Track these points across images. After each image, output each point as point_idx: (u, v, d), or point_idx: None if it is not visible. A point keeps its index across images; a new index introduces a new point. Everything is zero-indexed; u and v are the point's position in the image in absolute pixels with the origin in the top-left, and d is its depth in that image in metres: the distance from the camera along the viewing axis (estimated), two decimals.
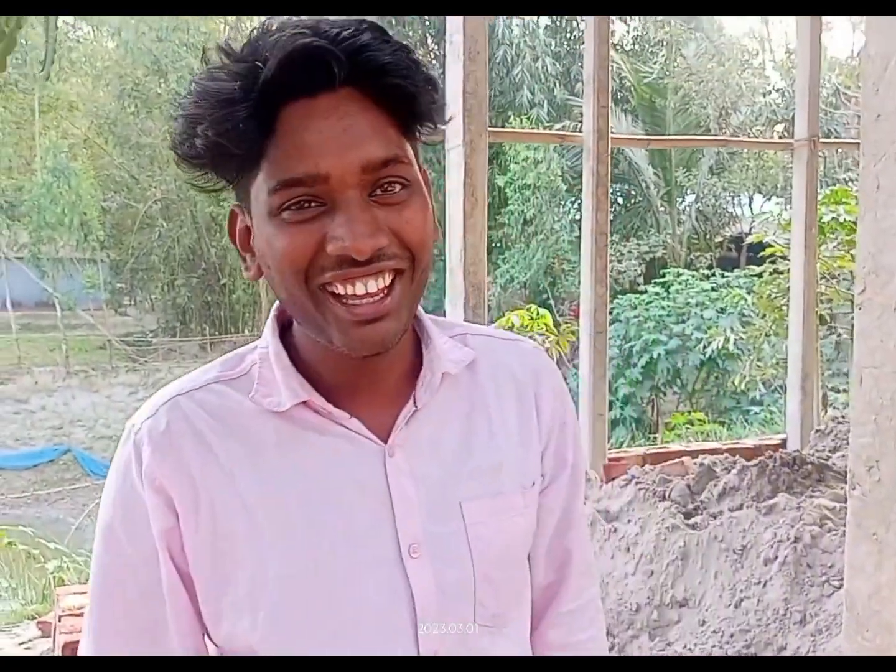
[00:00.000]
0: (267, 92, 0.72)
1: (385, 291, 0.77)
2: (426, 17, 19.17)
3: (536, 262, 16.25)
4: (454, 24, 3.55)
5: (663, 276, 12.96)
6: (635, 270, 15.63)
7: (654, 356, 11.35)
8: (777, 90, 18.41)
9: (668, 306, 11.88)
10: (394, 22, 18.70)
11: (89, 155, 22.73)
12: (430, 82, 0.77)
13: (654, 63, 17.48)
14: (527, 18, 19.37)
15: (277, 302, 0.88)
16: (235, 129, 0.72)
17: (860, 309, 1.04)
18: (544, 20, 19.64)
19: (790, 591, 3.08)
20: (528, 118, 16.70)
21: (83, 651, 0.84)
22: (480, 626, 0.86)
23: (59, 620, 3.59)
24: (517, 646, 0.91)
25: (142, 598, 0.81)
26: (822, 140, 5.49)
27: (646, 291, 12.68)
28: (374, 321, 0.76)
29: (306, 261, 0.75)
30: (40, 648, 3.98)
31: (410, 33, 19.35)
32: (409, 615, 0.81)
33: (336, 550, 0.80)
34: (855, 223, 7.03)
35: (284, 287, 0.78)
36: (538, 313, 10.39)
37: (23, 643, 4.12)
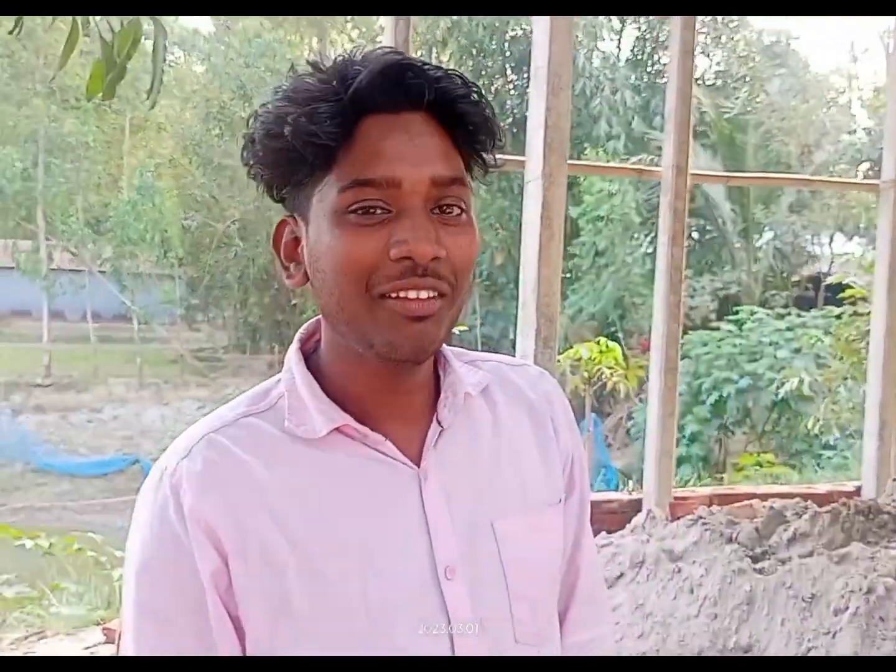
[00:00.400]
0: (355, 99, 0.78)
1: (432, 300, 0.80)
2: (507, 50, 19.35)
3: (607, 294, 16.15)
4: (540, 58, 3.59)
5: (737, 313, 12.75)
6: (708, 306, 15.42)
7: (724, 394, 11.16)
8: (864, 129, 18.02)
9: (741, 344, 11.67)
10: (475, 52, 18.95)
11: (173, 174, 23.52)
12: (493, 121, 0.83)
13: (736, 98, 17.29)
14: (608, 51, 19.40)
15: (298, 334, 0.90)
16: (322, 125, 0.77)
17: None
18: (625, 53, 19.63)
19: (861, 644, 2.97)
20: (604, 150, 16.68)
21: None
22: (521, 645, 0.87)
23: None
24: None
25: (190, 639, 0.81)
26: None
27: (718, 328, 12.49)
28: (422, 319, 0.79)
29: (369, 265, 0.78)
30: (104, 654, 4.08)
31: (490, 63, 19.56)
32: (448, 637, 0.82)
33: (378, 574, 0.81)
34: None
35: (338, 288, 0.80)
36: (607, 346, 10.30)
37: (87, 647, 4.22)
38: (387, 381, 0.84)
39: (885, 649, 2.94)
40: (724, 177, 9.24)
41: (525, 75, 17.65)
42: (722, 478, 10.34)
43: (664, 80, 16.95)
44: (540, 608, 0.90)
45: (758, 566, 3.55)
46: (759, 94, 17.69)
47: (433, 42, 18.78)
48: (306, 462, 0.83)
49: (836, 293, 10.26)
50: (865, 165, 17.49)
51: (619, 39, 20.60)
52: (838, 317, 8.29)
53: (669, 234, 4.65)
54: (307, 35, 25.36)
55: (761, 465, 9.84)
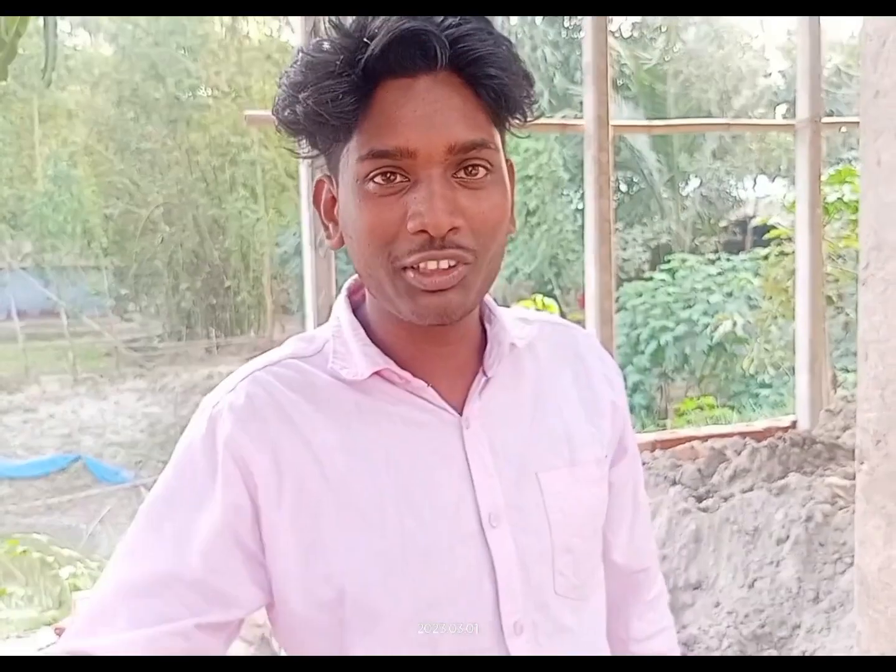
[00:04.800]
0: (369, 68, 0.75)
1: (454, 269, 0.78)
2: None
3: (541, 252, 16.23)
4: None
5: (668, 262, 12.94)
6: (640, 258, 15.63)
7: (662, 343, 11.35)
8: (779, 72, 18.35)
9: (675, 292, 11.88)
10: None
11: (90, 162, 22.74)
12: (525, 77, 0.79)
13: (654, 49, 17.43)
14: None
15: (347, 282, 0.91)
16: (335, 101, 0.75)
17: (864, 285, 1.02)
18: None
19: (803, 570, 3.07)
20: None
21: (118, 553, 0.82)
22: (561, 598, 0.86)
23: None
24: (597, 619, 0.92)
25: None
26: (825, 120, 5.47)
27: (651, 278, 12.68)
28: (442, 291, 0.77)
29: (389, 236, 0.76)
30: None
31: None
32: (491, 584, 0.82)
33: (421, 520, 0.80)
34: (859, 202, 7.03)
35: (364, 257, 0.79)
36: (544, 303, 10.38)
37: (40, 649, 4.15)
38: (426, 336, 0.84)
39: (826, 573, 3.04)
40: (645, 126, 9.31)
41: None
42: (665, 424, 10.56)
43: (581, 34, 16.98)
44: (582, 562, 0.89)
45: (702, 505, 3.63)
46: (675, 43, 17.84)
47: None
48: (349, 403, 0.83)
49: (761, 235, 10.48)
50: (783, 108, 17.83)
51: None
52: (765, 258, 8.46)
53: (596, 187, 4.68)
54: None
55: (702, 409, 10.06)
